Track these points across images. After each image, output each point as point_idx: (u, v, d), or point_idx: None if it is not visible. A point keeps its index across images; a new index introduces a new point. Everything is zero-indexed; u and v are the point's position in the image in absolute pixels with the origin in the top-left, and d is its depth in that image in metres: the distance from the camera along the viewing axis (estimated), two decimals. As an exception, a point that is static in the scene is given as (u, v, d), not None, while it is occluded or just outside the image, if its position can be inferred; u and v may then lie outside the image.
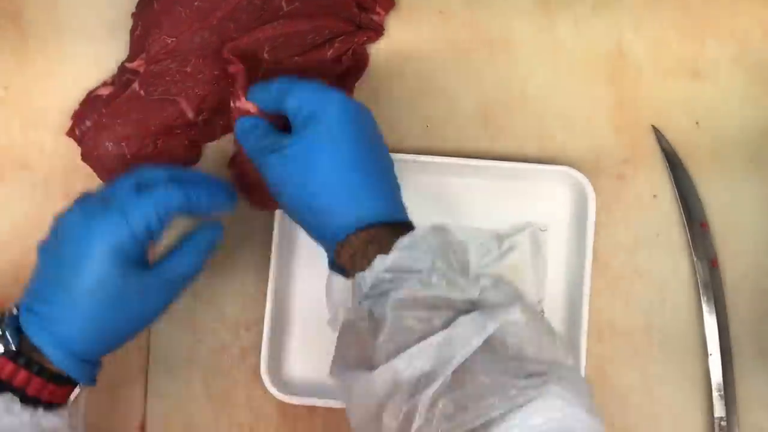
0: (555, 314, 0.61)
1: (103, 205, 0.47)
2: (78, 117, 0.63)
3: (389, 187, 0.50)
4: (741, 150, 0.64)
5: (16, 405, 0.45)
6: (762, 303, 0.62)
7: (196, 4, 0.59)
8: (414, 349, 0.40)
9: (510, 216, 0.62)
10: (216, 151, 0.64)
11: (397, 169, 0.59)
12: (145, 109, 0.61)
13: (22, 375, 0.45)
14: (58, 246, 0.48)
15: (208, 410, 0.62)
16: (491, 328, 0.40)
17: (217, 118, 0.63)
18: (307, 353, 0.62)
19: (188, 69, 0.60)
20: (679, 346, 0.61)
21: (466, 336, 0.40)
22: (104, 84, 0.63)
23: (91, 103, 0.63)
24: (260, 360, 0.59)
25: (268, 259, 0.60)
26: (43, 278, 0.48)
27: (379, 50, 0.65)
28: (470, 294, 0.43)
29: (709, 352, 0.60)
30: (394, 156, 0.58)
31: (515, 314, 0.41)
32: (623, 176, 0.63)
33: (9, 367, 0.45)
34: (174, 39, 0.60)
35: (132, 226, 0.46)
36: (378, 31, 0.64)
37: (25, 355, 0.46)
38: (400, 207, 0.50)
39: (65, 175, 0.64)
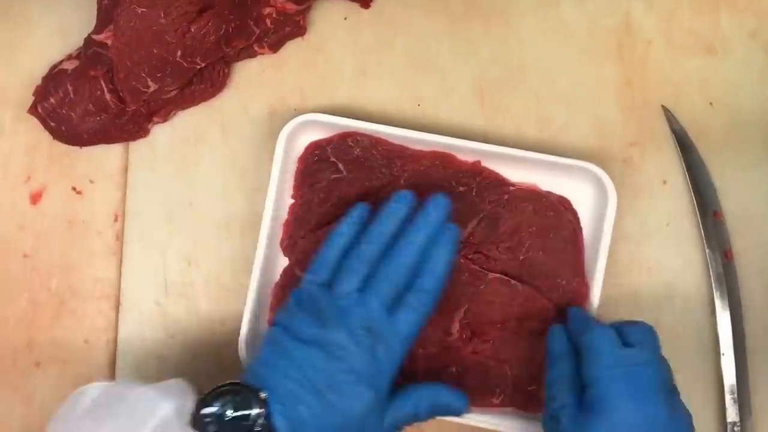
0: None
1: (371, 343, 0.48)
2: (40, 93, 0.59)
3: None
4: (759, 132, 0.60)
5: None
6: (780, 299, 0.58)
7: (170, -32, 0.56)
8: None
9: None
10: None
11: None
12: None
13: None
14: (322, 359, 0.47)
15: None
16: None
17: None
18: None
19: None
20: (690, 345, 0.58)
21: None
22: (69, 57, 0.60)
23: (54, 79, 0.59)
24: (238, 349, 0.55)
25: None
26: (300, 381, 0.47)
27: (365, 22, 0.60)
28: None
29: (722, 352, 0.57)
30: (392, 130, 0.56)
31: None
32: (630, 160, 0.59)
33: None
34: (145, 9, 0.56)
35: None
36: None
37: None
38: None
39: (27, 154, 0.61)
